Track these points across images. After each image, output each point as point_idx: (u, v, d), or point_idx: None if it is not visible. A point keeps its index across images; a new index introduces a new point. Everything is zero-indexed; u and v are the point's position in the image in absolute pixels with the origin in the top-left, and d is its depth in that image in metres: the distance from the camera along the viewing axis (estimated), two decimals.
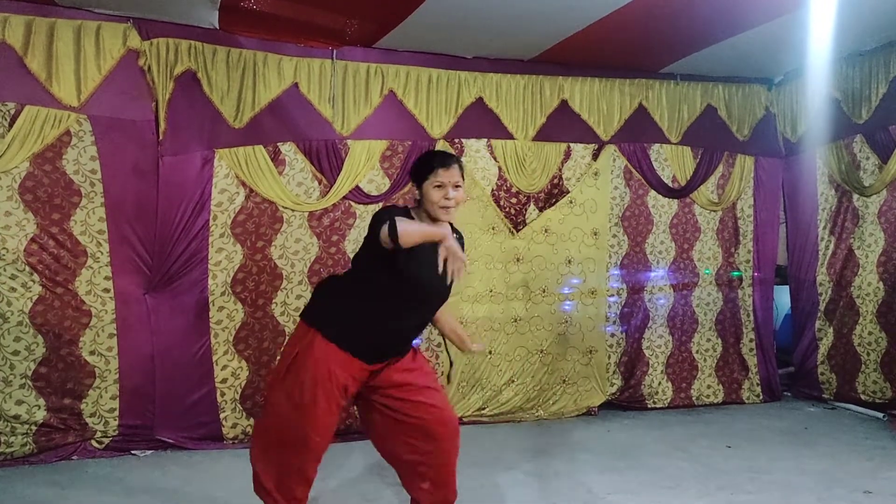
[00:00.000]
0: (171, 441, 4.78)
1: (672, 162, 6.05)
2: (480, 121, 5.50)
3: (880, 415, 5.62)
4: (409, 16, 4.66)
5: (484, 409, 5.58)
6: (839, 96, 5.80)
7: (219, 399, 4.92)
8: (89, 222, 4.57)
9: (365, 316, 2.86)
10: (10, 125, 4.34)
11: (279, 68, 4.98)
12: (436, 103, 5.38)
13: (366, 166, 5.22)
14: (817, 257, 6.21)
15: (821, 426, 5.49)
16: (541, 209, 5.76)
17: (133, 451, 4.69)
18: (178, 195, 4.74)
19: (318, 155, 5.12)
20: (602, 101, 5.82)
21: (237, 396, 4.98)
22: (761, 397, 6.31)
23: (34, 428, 4.45)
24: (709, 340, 6.25)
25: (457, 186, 2.87)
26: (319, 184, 5.17)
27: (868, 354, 5.85)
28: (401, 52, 5.28)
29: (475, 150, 5.53)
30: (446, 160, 2.91)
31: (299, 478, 2.99)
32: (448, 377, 3.23)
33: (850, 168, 5.85)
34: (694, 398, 6.17)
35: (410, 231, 2.61)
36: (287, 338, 5.07)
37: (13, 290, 4.39)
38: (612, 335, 6.00)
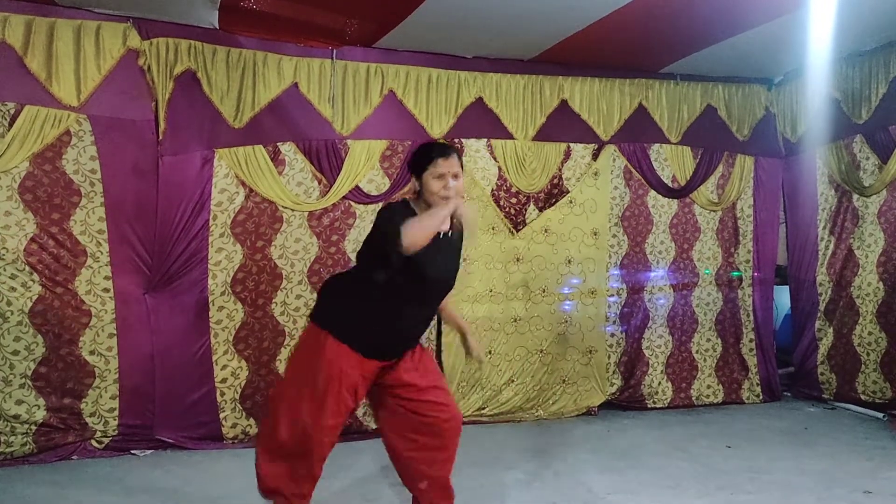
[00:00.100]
0: (170, 441, 4.78)
1: (672, 162, 6.05)
2: (480, 121, 5.50)
3: (880, 415, 5.62)
4: (409, 15, 4.66)
5: (484, 408, 5.58)
6: (839, 96, 5.80)
7: (218, 399, 4.92)
8: (89, 222, 4.57)
9: (376, 315, 2.87)
10: (10, 125, 4.34)
11: (279, 68, 4.98)
12: (436, 103, 5.38)
13: (366, 166, 5.22)
14: (817, 257, 6.21)
15: (821, 426, 5.49)
16: (541, 209, 5.76)
17: (133, 451, 4.69)
18: (177, 195, 4.75)
19: (318, 155, 5.12)
20: (602, 101, 5.82)
21: (237, 396, 4.98)
22: (761, 397, 6.31)
23: (34, 428, 4.45)
24: (709, 340, 6.25)
25: (456, 176, 2.89)
26: (319, 183, 5.17)
27: (868, 354, 5.85)
28: (401, 52, 5.28)
29: (475, 149, 5.53)
30: (445, 151, 2.93)
31: (307, 476, 3.02)
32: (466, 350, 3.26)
33: (850, 168, 5.85)
34: (694, 398, 6.17)
35: (418, 236, 2.63)
36: (286, 337, 5.08)
37: (13, 289, 4.39)
38: (612, 335, 6.00)
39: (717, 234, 6.25)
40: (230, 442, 4.94)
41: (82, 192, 4.55)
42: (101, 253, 4.60)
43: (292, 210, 5.08)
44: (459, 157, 2.96)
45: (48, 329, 4.48)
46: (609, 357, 5.97)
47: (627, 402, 6.00)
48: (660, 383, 6.07)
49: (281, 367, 5.08)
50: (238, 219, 4.96)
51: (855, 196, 5.90)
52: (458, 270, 3.07)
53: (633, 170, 5.97)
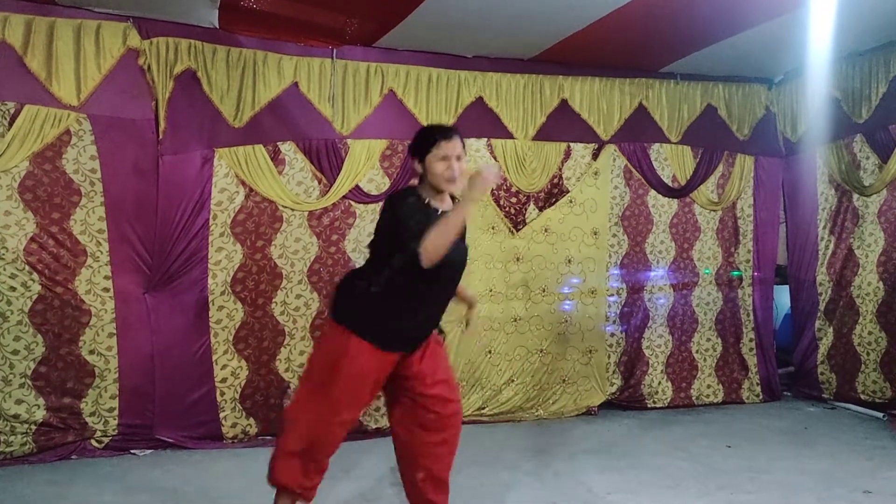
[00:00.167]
0: (170, 440, 4.78)
1: (672, 161, 6.05)
2: (480, 120, 5.50)
3: (880, 414, 5.62)
4: (409, 15, 4.66)
5: (484, 408, 5.58)
6: (839, 96, 5.80)
7: (218, 398, 4.92)
8: (89, 221, 4.57)
9: (398, 307, 2.87)
10: (10, 124, 4.34)
11: (279, 67, 4.98)
12: (436, 103, 5.38)
13: (366, 166, 5.22)
14: (817, 257, 6.21)
15: (820, 426, 5.49)
16: (541, 209, 5.76)
17: (133, 451, 4.69)
18: (177, 194, 4.74)
19: (318, 154, 5.12)
20: (602, 101, 5.82)
21: (237, 396, 4.98)
22: (761, 397, 6.31)
23: (34, 427, 4.45)
24: (709, 340, 6.25)
25: (459, 158, 2.90)
26: (319, 183, 5.17)
27: (868, 354, 5.85)
28: (401, 52, 5.28)
29: (475, 149, 5.52)
30: (448, 132, 2.93)
31: (317, 469, 3.03)
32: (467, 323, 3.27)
33: (850, 168, 5.85)
34: (694, 398, 6.17)
35: (440, 249, 2.66)
36: (286, 337, 5.08)
37: (13, 289, 4.38)
38: (612, 335, 6.00)
39: (717, 233, 6.25)
40: (230, 441, 4.94)
41: (82, 192, 4.55)
42: (101, 252, 4.60)
43: (292, 209, 5.08)
44: (462, 139, 2.95)
45: (48, 328, 4.48)
46: (609, 357, 5.97)
47: (627, 401, 6.00)
48: (660, 383, 6.07)
49: (281, 366, 5.08)
50: (238, 218, 4.96)
51: (855, 195, 5.90)
52: (467, 248, 3.09)
53: (633, 169, 5.97)
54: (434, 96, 5.37)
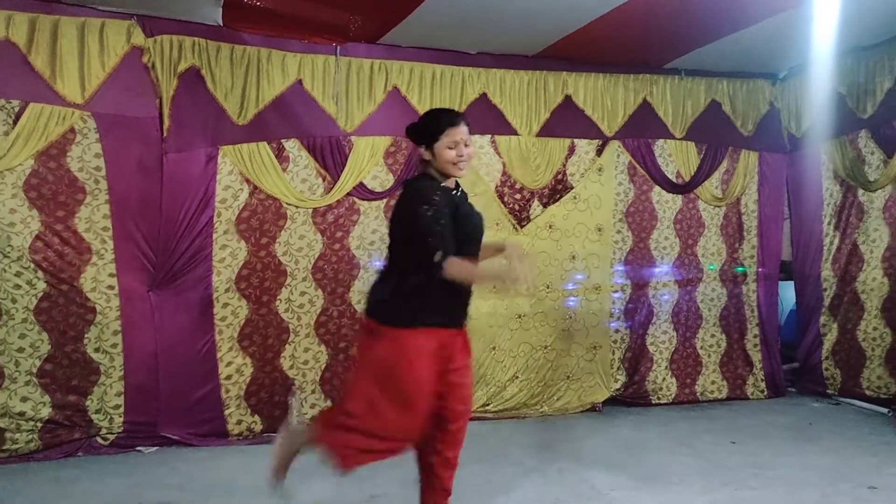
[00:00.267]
0: (175, 437, 4.79)
1: (676, 157, 6.04)
2: (484, 116, 5.49)
3: (885, 410, 5.61)
4: (413, 12, 4.65)
5: (488, 405, 5.58)
6: (844, 91, 5.78)
7: (223, 396, 4.93)
8: (94, 219, 4.58)
9: (439, 287, 2.83)
10: (15, 122, 4.35)
11: (283, 65, 4.97)
12: (440, 99, 5.37)
13: (370, 163, 5.22)
14: (822, 252, 6.20)
15: (825, 422, 5.49)
16: (545, 205, 5.75)
17: (138, 448, 4.71)
18: (182, 192, 4.75)
19: (322, 151, 5.12)
20: (606, 97, 5.81)
21: (242, 393, 4.99)
22: (766, 393, 6.31)
23: (39, 425, 4.47)
24: (713, 336, 6.24)
25: (467, 143, 2.92)
26: (323, 180, 5.17)
27: (873, 350, 5.84)
28: (404, 48, 5.28)
29: (479, 145, 5.51)
30: (456, 118, 2.94)
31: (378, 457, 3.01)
32: None
33: (855, 163, 5.83)
34: (698, 394, 6.17)
35: (458, 278, 2.73)
36: (290, 334, 5.08)
37: (18, 287, 4.40)
38: (617, 331, 5.99)
39: (721, 229, 6.24)
40: (235, 438, 4.95)
41: (87, 190, 4.56)
42: (106, 250, 4.61)
43: (296, 207, 5.08)
44: (468, 122, 2.97)
45: (53, 326, 4.49)
46: (613, 353, 5.97)
47: (632, 398, 6.00)
48: (664, 379, 6.07)
49: (286, 364, 5.09)
50: (242, 216, 4.96)
51: (860, 191, 5.88)
52: (482, 216, 3.13)
53: (637, 165, 5.96)
54: (438, 93, 5.37)
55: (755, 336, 6.34)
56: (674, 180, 6.05)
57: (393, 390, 2.85)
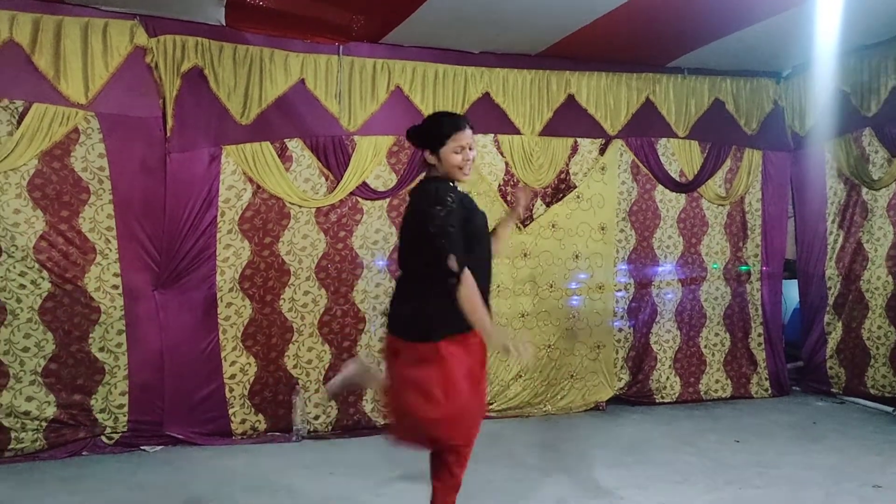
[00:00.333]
0: (180, 437, 4.80)
1: (679, 156, 6.03)
2: (487, 116, 5.48)
3: (889, 409, 5.60)
4: (415, 11, 4.65)
5: (492, 404, 5.58)
6: (848, 89, 5.77)
7: (227, 395, 4.94)
8: (98, 219, 4.59)
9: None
10: (19, 123, 4.36)
11: (286, 64, 4.98)
12: (442, 98, 5.37)
13: (372, 162, 5.22)
14: (826, 251, 6.19)
15: (829, 421, 5.48)
16: (548, 204, 5.75)
17: (143, 447, 4.72)
18: (185, 192, 4.76)
19: (325, 151, 5.13)
20: (609, 96, 5.80)
21: (246, 392, 5.00)
22: (770, 392, 6.30)
23: (44, 424, 4.48)
24: (717, 335, 6.24)
25: (471, 147, 2.92)
26: (326, 180, 5.18)
27: (877, 348, 5.82)
28: (407, 48, 5.28)
29: (482, 145, 5.52)
30: (461, 123, 2.93)
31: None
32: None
33: (859, 161, 5.82)
34: (702, 393, 6.16)
35: (466, 303, 2.72)
36: (294, 333, 5.08)
37: (23, 286, 4.41)
38: (620, 330, 5.99)
39: (725, 228, 6.23)
40: (239, 437, 4.96)
41: (91, 190, 4.57)
42: (110, 250, 4.62)
43: (300, 206, 5.09)
44: (472, 127, 2.97)
45: (58, 326, 4.50)
46: (617, 352, 5.97)
47: (635, 397, 6.00)
48: (668, 378, 6.07)
49: (289, 363, 5.09)
50: (246, 215, 4.97)
51: (864, 189, 5.87)
52: (486, 215, 3.12)
53: (640, 164, 5.96)
54: (441, 92, 5.37)
55: (759, 335, 6.33)
56: (677, 179, 6.04)
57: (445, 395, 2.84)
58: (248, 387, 5.01)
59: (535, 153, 5.66)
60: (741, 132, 6.16)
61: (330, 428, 5.19)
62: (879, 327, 5.81)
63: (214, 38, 4.78)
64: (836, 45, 5.20)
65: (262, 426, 5.04)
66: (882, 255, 5.80)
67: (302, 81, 5.03)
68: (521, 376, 5.66)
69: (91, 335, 4.59)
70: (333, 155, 5.14)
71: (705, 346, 6.20)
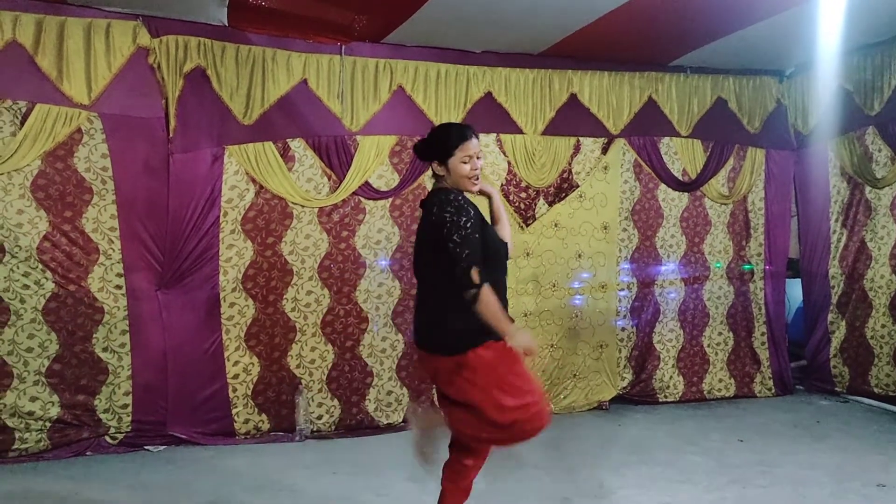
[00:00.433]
0: (183, 436, 4.81)
1: (682, 155, 6.03)
2: (489, 115, 5.48)
3: (893, 408, 5.59)
4: (417, 11, 4.65)
5: None
6: (851, 88, 5.75)
7: (231, 395, 4.95)
8: (101, 220, 4.60)
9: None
10: (22, 123, 4.37)
11: (288, 64, 4.98)
12: (444, 98, 5.37)
13: (375, 162, 5.22)
14: (829, 250, 6.18)
15: (833, 420, 5.47)
16: (550, 203, 5.75)
17: (146, 447, 4.73)
18: (188, 192, 4.77)
19: (328, 151, 5.13)
20: (611, 95, 5.80)
21: (249, 392, 5.01)
22: (773, 391, 6.29)
23: (48, 424, 4.50)
24: (720, 334, 6.23)
25: (479, 157, 2.93)
26: (329, 180, 5.18)
27: (881, 347, 5.81)
28: (409, 48, 5.28)
29: (484, 144, 5.50)
30: (468, 133, 2.94)
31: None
32: None
33: (863, 160, 5.81)
34: (705, 392, 6.16)
35: (484, 311, 2.70)
36: (297, 333, 5.09)
37: (26, 287, 4.42)
38: (623, 329, 5.99)
39: (728, 227, 6.22)
40: (242, 437, 4.97)
41: (94, 190, 4.58)
42: (114, 250, 4.63)
43: (302, 206, 5.09)
44: (478, 136, 2.99)
45: (61, 326, 4.51)
46: (620, 351, 5.97)
47: (639, 396, 5.99)
48: (671, 377, 6.06)
49: (293, 363, 5.10)
50: (248, 215, 4.97)
51: (867, 188, 5.86)
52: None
53: (643, 163, 5.95)
54: (443, 92, 5.37)
55: (762, 334, 6.32)
56: (680, 178, 6.03)
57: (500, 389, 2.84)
58: (251, 387, 5.02)
59: (538, 152, 5.65)
60: (744, 131, 6.15)
61: (333, 428, 5.19)
62: (883, 326, 5.80)
63: (217, 39, 4.79)
64: (839, 43, 5.18)
65: (266, 426, 5.05)
66: (885, 254, 5.78)
67: (304, 81, 5.03)
68: None
69: (94, 335, 4.60)
70: (336, 155, 5.14)
71: (708, 346, 6.19)
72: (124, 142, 4.61)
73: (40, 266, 4.44)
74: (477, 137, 2.96)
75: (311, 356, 5.15)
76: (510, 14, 4.75)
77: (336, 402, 5.21)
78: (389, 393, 5.33)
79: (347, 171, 5.14)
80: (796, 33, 5.15)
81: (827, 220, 6.18)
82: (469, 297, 2.71)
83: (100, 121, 4.55)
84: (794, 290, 6.70)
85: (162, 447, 4.76)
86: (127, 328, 4.67)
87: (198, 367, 4.87)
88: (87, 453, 4.59)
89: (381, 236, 5.30)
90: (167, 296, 4.78)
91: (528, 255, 5.68)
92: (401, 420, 5.32)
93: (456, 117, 5.37)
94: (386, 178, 5.30)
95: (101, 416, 4.65)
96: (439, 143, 2.95)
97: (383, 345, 5.32)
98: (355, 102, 5.17)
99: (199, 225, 4.81)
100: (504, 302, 2.93)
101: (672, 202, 6.06)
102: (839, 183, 6.08)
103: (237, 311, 4.97)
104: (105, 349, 4.63)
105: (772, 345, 6.33)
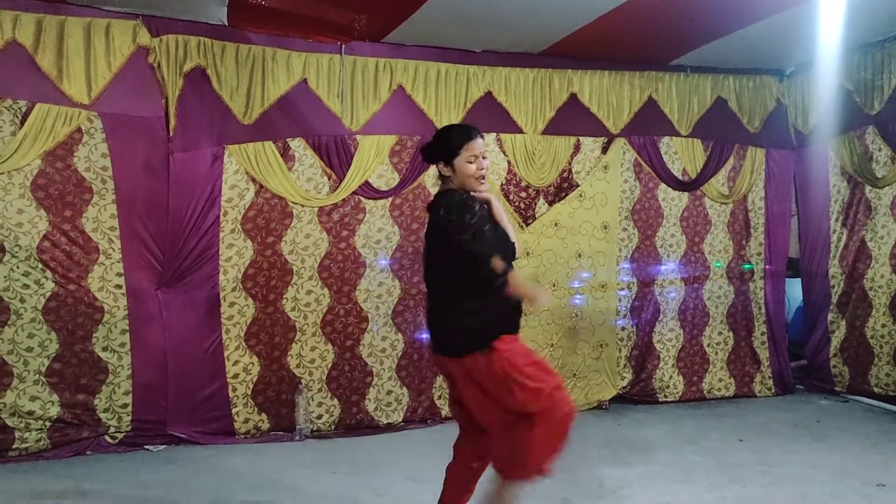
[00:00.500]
0: (183, 436, 4.81)
1: (682, 155, 6.03)
2: (489, 115, 5.48)
3: (893, 408, 5.59)
4: (417, 10, 4.65)
5: None
6: (851, 87, 5.75)
7: (230, 394, 4.95)
8: (101, 219, 4.60)
9: (497, 298, 2.83)
10: (22, 123, 4.37)
11: (288, 64, 4.98)
12: (444, 98, 5.37)
13: (375, 161, 5.22)
14: (829, 249, 6.17)
15: (833, 419, 5.47)
16: (550, 203, 5.75)
17: (146, 446, 4.73)
18: (188, 191, 4.77)
19: (328, 150, 5.13)
20: (611, 94, 5.79)
21: (249, 391, 5.01)
22: (773, 390, 6.29)
23: (48, 423, 4.49)
24: (720, 334, 6.23)
25: (485, 156, 2.95)
26: (329, 179, 5.18)
27: (881, 347, 5.81)
28: (409, 47, 5.28)
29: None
30: (473, 133, 2.95)
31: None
32: None
33: (863, 159, 5.80)
34: (705, 391, 6.16)
35: (520, 287, 2.73)
36: (297, 333, 5.09)
37: (26, 286, 4.42)
38: (623, 329, 5.98)
39: (728, 226, 6.22)
40: (242, 437, 4.97)
41: (94, 190, 4.58)
42: (114, 250, 4.63)
43: (302, 206, 5.09)
44: (483, 136, 3.00)
45: (61, 326, 4.51)
46: (620, 351, 5.96)
47: (639, 395, 5.99)
48: (671, 377, 6.06)
49: (292, 362, 5.10)
50: (248, 215, 4.97)
51: (867, 187, 5.85)
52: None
53: (643, 163, 5.95)
54: (443, 91, 5.37)
55: (762, 333, 6.32)
56: (680, 178, 6.03)
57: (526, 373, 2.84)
58: (251, 386, 5.02)
59: (538, 152, 5.65)
60: (744, 130, 6.15)
61: (333, 427, 5.19)
62: (883, 325, 5.80)
63: (217, 38, 4.79)
64: (839, 42, 5.18)
65: (266, 425, 5.05)
66: (886, 253, 5.78)
67: (304, 81, 5.03)
68: None
69: (94, 335, 4.60)
70: (336, 154, 5.14)
71: (708, 345, 6.19)
72: (124, 141, 4.61)
73: (40, 265, 4.44)
74: (482, 137, 2.97)
75: (310, 356, 5.15)
76: (510, 13, 4.75)
77: (336, 401, 5.21)
78: (389, 392, 5.33)
79: (347, 170, 5.14)
80: (796, 32, 5.14)
81: (827, 220, 6.18)
82: (497, 286, 2.72)
83: (100, 120, 4.55)
84: (794, 290, 6.70)
85: (162, 447, 4.76)
86: (127, 327, 4.67)
87: (198, 366, 4.86)
88: (87, 453, 4.59)
89: (381, 236, 5.30)
90: (167, 295, 4.78)
91: (528, 254, 5.67)
92: (400, 420, 5.32)
93: (456, 117, 5.37)
94: (386, 177, 5.30)
95: (101, 415, 4.65)
96: (444, 144, 2.96)
97: (383, 344, 5.32)
98: (355, 102, 5.17)
99: (199, 224, 4.80)
100: (517, 303, 2.94)
101: (672, 202, 6.06)
102: (839, 182, 6.08)
103: (237, 311, 4.97)
104: (105, 348, 4.63)
105: (772, 344, 6.33)
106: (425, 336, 5.40)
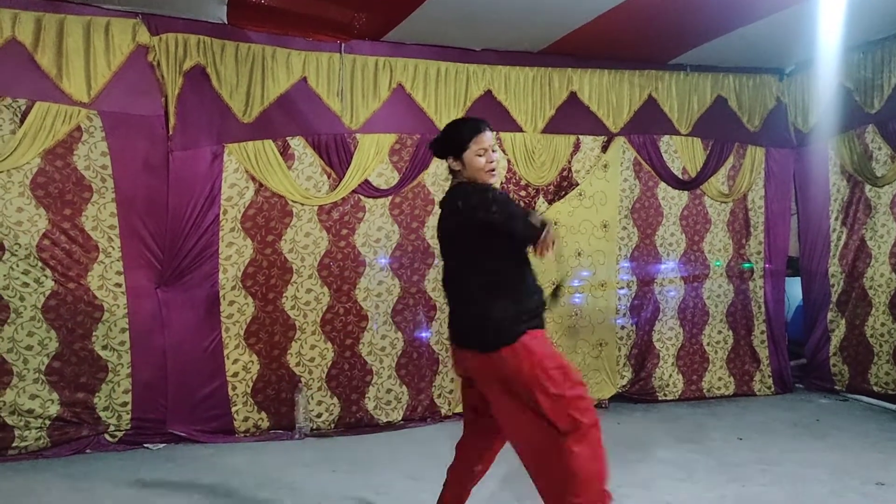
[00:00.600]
0: (183, 434, 4.81)
1: (682, 153, 6.03)
2: (489, 113, 5.45)
3: (893, 406, 5.59)
4: (417, 9, 4.65)
5: None
6: (851, 86, 5.75)
7: (230, 393, 4.95)
8: (101, 217, 4.60)
9: (521, 286, 2.82)
10: (22, 121, 4.37)
11: (288, 62, 4.98)
12: (444, 96, 5.37)
13: (375, 160, 5.22)
14: (829, 248, 6.18)
15: (833, 418, 5.47)
16: (550, 202, 5.75)
17: (146, 445, 4.73)
18: (188, 190, 4.77)
19: (327, 149, 5.13)
20: (611, 93, 5.79)
21: (248, 390, 5.01)
22: (773, 389, 6.29)
23: (48, 422, 4.49)
24: (720, 332, 6.23)
25: (494, 149, 2.92)
26: (328, 178, 5.18)
27: (881, 346, 5.81)
28: (409, 46, 5.28)
29: None
30: (481, 126, 2.93)
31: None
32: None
33: (863, 158, 5.80)
34: (705, 390, 6.16)
35: (550, 238, 2.63)
36: (297, 331, 5.09)
37: (26, 285, 4.42)
38: (623, 328, 5.99)
39: (727, 225, 6.22)
40: (242, 435, 4.97)
41: (94, 188, 4.57)
42: (113, 248, 4.63)
43: (302, 204, 5.09)
44: (492, 129, 2.97)
45: (61, 324, 4.51)
46: (620, 350, 5.97)
47: (638, 394, 5.99)
48: (671, 376, 6.06)
49: (292, 361, 5.10)
50: (248, 213, 4.97)
51: (867, 186, 5.85)
52: None
53: (642, 162, 5.95)
54: (443, 90, 5.37)
55: (762, 332, 6.32)
56: (680, 176, 6.03)
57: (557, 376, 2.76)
58: (250, 384, 5.02)
59: (538, 151, 5.65)
60: (744, 129, 6.15)
61: (332, 426, 5.19)
62: (883, 324, 5.80)
63: (216, 37, 4.78)
64: (839, 41, 5.18)
65: (265, 424, 5.05)
66: (885, 252, 5.78)
67: (304, 79, 5.03)
68: None
69: (94, 333, 4.60)
70: (335, 153, 5.14)
71: (708, 344, 6.19)
72: (124, 140, 4.61)
73: (40, 264, 4.44)
74: (491, 130, 2.94)
75: (310, 354, 5.15)
76: (510, 12, 4.75)
77: (336, 400, 5.21)
78: (389, 391, 5.33)
79: (347, 169, 5.14)
80: (796, 31, 5.14)
81: (827, 219, 6.18)
82: (534, 242, 2.64)
83: (99, 119, 4.55)
84: (794, 289, 6.70)
85: (161, 445, 4.76)
86: (127, 326, 4.67)
87: (197, 364, 4.87)
88: (87, 451, 4.59)
89: (380, 234, 5.30)
90: (167, 294, 4.78)
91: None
92: (400, 418, 5.32)
93: (455, 115, 5.36)
94: (386, 176, 5.30)
95: (101, 413, 4.65)
96: (453, 138, 2.94)
97: (383, 343, 5.33)
98: (355, 100, 5.17)
99: (198, 223, 4.80)
100: (541, 299, 2.90)
101: (672, 200, 6.06)
102: (839, 181, 6.08)
103: (237, 310, 4.97)
104: (105, 347, 4.63)
105: (771, 343, 6.33)
106: (426, 335, 5.41)
